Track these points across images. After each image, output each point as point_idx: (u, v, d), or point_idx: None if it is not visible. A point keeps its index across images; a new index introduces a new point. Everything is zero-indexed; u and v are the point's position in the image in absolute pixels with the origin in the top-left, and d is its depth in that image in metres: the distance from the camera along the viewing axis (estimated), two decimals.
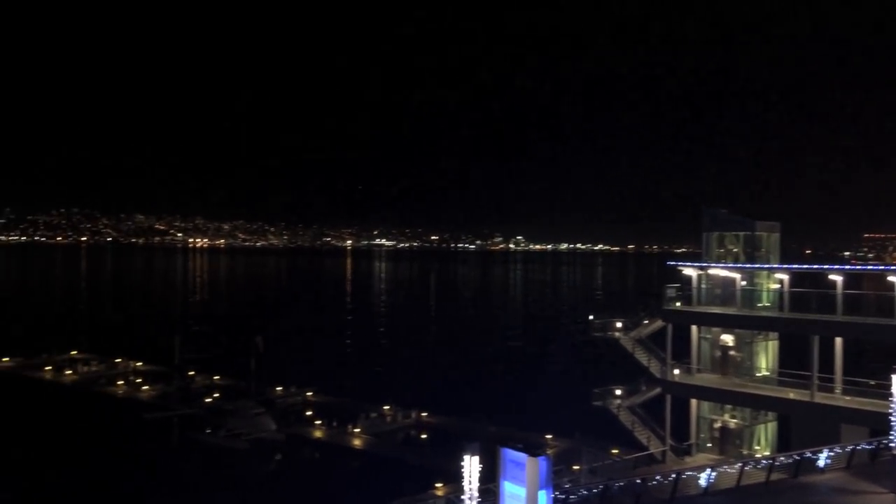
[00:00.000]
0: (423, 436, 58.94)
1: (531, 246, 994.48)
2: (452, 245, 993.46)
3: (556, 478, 34.22)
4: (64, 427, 62.57)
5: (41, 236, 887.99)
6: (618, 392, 45.79)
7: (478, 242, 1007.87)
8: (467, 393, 76.26)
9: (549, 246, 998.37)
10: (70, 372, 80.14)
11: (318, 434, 59.00)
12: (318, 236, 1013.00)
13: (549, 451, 35.46)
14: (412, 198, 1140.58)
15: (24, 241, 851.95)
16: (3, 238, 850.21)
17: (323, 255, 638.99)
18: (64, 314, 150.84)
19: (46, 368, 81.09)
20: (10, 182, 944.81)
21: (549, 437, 54.31)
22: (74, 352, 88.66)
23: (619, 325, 46.06)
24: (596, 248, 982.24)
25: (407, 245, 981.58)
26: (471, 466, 25.50)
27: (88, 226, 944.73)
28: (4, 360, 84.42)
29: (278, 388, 70.70)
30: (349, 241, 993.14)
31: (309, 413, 63.20)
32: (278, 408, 64.45)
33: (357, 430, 58.80)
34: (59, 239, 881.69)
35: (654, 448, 44.15)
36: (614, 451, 46.79)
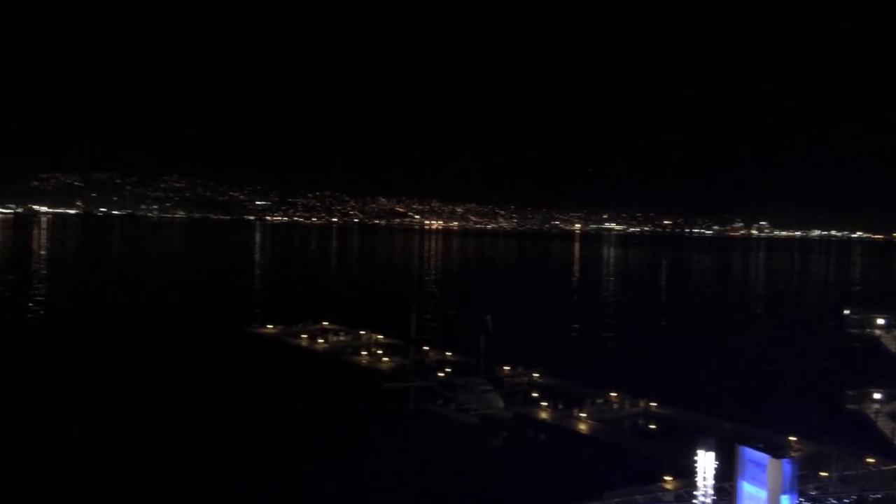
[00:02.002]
0: (652, 426, 57.17)
1: (776, 232, 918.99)
2: (687, 230, 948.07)
3: (801, 483, 31.59)
4: (315, 389, 69.11)
5: (299, 217, 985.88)
6: (877, 395, 41.12)
7: (715, 228, 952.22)
8: (700, 385, 72.56)
9: (798, 233, 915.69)
10: (322, 341, 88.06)
11: (543, 415, 59.57)
12: (546, 220, 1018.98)
13: (794, 454, 32.85)
14: (644, 181, 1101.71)
15: (285, 221, 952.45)
16: (268, 218, 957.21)
17: (551, 239, 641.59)
18: (317, 288, 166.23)
19: (302, 336, 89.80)
20: (275, 168, 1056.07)
21: (792, 438, 50.12)
22: (326, 323, 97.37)
23: (881, 321, 41.28)
24: (854, 235, 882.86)
25: (638, 230, 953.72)
26: (705, 462, 24.41)
27: (339, 208, 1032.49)
28: (269, 327, 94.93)
29: (506, 368, 72.33)
30: (577, 225, 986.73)
31: (535, 394, 63.93)
32: (506, 386, 65.98)
33: (583, 414, 58.52)
34: (313, 220, 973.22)
35: None
36: (870, 459, 42.14)
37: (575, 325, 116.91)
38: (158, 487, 44.36)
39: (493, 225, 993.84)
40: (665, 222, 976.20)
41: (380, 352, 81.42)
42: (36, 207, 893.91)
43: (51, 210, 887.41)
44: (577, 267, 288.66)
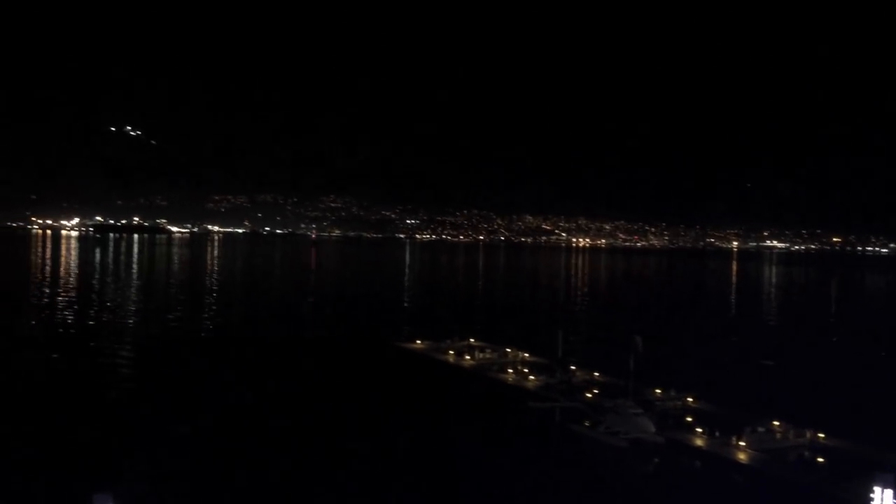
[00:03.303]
0: (819, 459, 52.94)
1: None
2: (859, 248, 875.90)
3: None
4: (462, 405, 69.78)
5: (447, 235, 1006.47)
6: None
7: (892, 246, 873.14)
8: (874, 416, 66.58)
9: None
10: (468, 357, 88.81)
11: (698, 442, 56.80)
12: (700, 237, 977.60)
13: None
14: (809, 195, 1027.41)
15: (433, 238, 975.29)
16: (417, 236, 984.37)
17: (706, 257, 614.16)
18: (464, 304, 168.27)
19: (450, 353, 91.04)
20: (423, 188, 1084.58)
21: None
22: (472, 339, 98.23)
23: None
24: None
25: (803, 247, 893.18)
26: (882, 500, 22.29)
27: (485, 226, 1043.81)
28: (418, 343, 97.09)
29: (657, 391, 69.75)
30: (735, 243, 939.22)
31: (689, 419, 61.16)
32: (657, 410, 63.58)
33: (742, 443, 55.26)
34: (460, 237, 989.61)
35: None
36: None
37: (732, 348, 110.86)
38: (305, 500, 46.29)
39: (643, 242, 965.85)
40: (834, 240, 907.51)
41: (526, 370, 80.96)
42: (209, 227, 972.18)
43: (222, 229, 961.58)
44: (734, 286, 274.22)
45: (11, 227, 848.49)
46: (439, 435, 59.55)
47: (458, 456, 54.42)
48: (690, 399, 68.23)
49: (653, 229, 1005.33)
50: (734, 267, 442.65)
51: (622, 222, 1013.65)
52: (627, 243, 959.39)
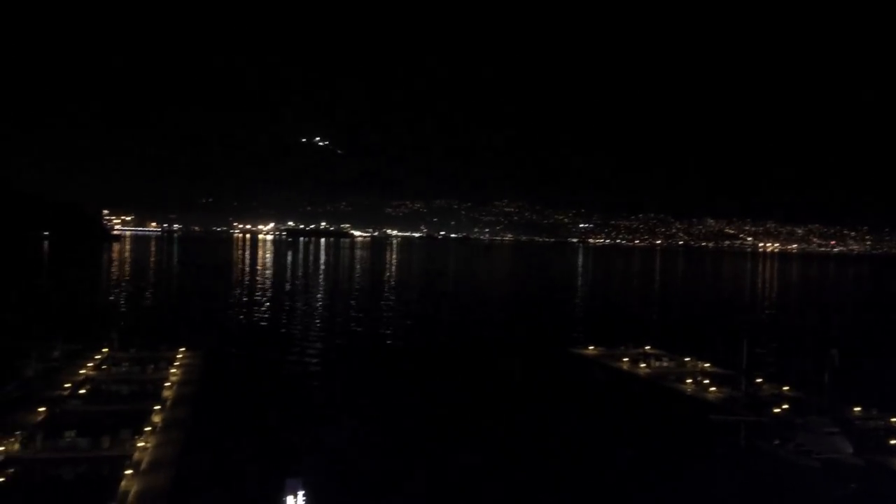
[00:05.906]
0: None
1: None
2: None
3: None
4: (636, 414, 68.00)
5: (622, 239, 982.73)
6: None
7: None
8: None
9: None
10: (644, 365, 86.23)
11: None
12: None
13: None
14: None
15: (607, 243, 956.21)
16: (590, 241, 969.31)
17: None
18: (640, 311, 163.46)
19: (624, 359, 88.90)
20: (596, 191, 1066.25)
21: None
22: (648, 347, 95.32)
23: None
24: None
25: None
26: None
27: (662, 230, 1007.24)
28: (591, 349, 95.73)
29: (856, 409, 64.06)
30: None
31: (893, 441, 55.60)
32: (856, 430, 58.34)
33: None
34: (636, 242, 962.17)
35: None
36: None
37: None
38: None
39: (841, 247, 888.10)
40: None
41: (706, 381, 77.23)
42: (388, 231, 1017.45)
43: (400, 234, 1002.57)
44: None
45: (217, 231, 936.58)
46: (611, 445, 58.42)
47: (633, 468, 53.08)
48: (895, 419, 62.01)
49: (853, 233, 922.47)
50: None
51: (817, 226, 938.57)
52: (822, 248, 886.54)
